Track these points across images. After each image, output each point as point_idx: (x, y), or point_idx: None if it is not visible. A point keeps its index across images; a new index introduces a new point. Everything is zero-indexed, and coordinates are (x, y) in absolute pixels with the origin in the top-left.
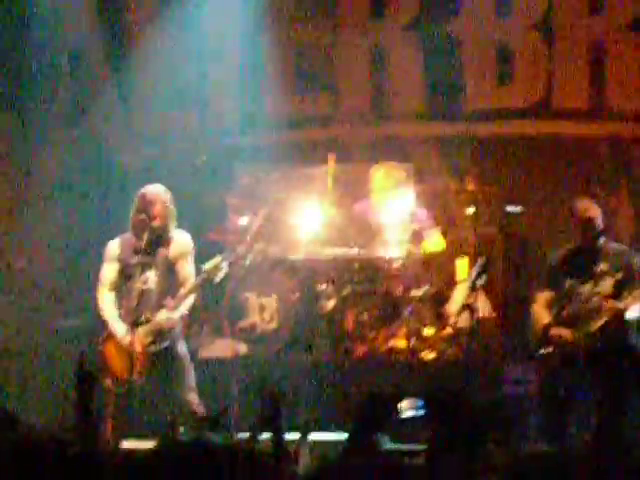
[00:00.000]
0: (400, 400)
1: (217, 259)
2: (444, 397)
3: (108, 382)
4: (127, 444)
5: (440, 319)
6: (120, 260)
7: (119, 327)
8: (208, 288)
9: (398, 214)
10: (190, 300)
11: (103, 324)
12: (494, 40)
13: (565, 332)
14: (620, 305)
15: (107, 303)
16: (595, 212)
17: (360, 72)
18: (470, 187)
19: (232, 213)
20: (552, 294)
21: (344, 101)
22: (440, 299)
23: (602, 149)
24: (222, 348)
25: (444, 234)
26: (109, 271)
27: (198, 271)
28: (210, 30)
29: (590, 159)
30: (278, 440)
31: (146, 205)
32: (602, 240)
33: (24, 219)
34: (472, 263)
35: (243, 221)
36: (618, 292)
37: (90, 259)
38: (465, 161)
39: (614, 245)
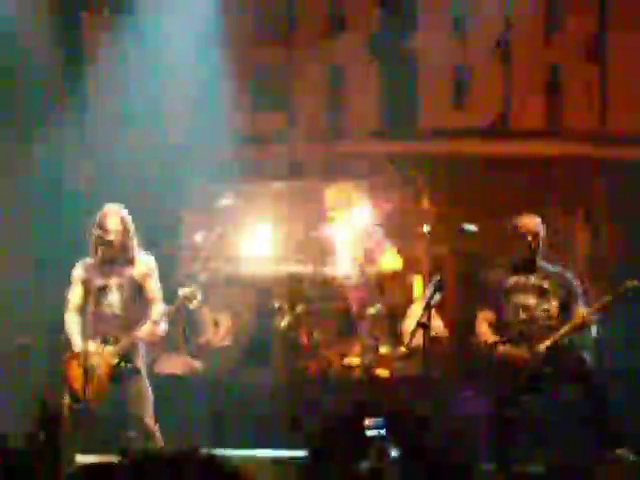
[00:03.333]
0: (362, 419)
1: (193, 288)
2: (406, 416)
3: (66, 399)
4: (81, 459)
5: (394, 337)
6: (84, 282)
7: (80, 346)
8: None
9: (352, 232)
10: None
11: (68, 343)
12: (451, 60)
13: (512, 350)
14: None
15: (72, 324)
16: (538, 227)
17: (316, 89)
18: (425, 205)
19: (187, 229)
20: (492, 313)
21: (299, 118)
22: (394, 317)
23: (558, 169)
24: (176, 364)
25: (399, 252)
26: (74, 294)
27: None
28: (166, 47)
29: (546, 179)
30: None
31: (101, 220)
32: (539, 259)
33: None
34: (426, 281)
35: (198, 237)
36: (563, 312)
37: (47, 277)
38: (420, 179)
39: (550, 265)
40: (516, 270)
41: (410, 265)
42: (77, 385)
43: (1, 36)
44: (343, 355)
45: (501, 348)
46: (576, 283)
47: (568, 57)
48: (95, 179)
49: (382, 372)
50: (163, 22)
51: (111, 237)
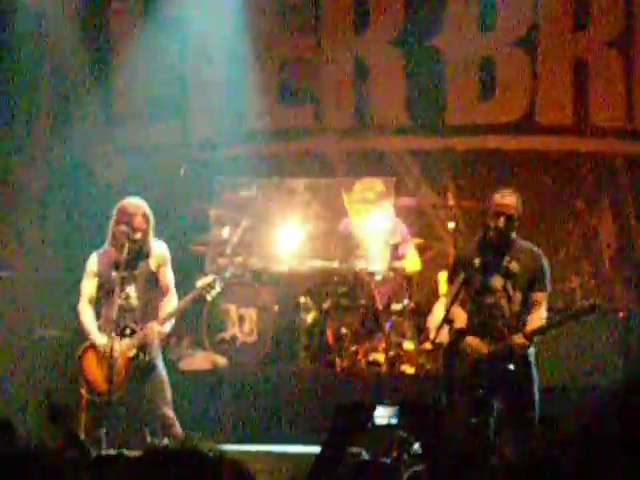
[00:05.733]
0: (374, 409)
1: (210, 278)
2: (419, 407)
3: (83, 391)
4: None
5: (420, 333)
6: (99, 275)
7: (99, 338)
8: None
9: (378, 228)
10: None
11: (83, 335)
12: (477, 55)
13: (477, 343)
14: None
15: (86, 316)
16: (510, 203)
17: (343, 85)
18: (451, 202)
19: (213, 225)
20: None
21: (326, 114)
22: (420, 313)
23: (584, 164)
24: (201, 361)
25: (424, 249)
26: (88, 286)
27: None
28: (193, 42)
29: (572, 174)
30: None
31: (128, 217)
32: (513, 236)
33: (4, 230)
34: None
35: (224, 233)
36: (526, 298)
37: (71, 271)
38: (446, 175)
39: (524, 243)
40: (486, 247)
41: (436, 261)
42: (94, 377)
43: (27, 32)
44: (368, 351)
45: (469, 339)
46: (544, 268)
47: (596, 51)
48: (122, 176)
49: (407, 368)
50: (189, 15)
51: (139, 236)
